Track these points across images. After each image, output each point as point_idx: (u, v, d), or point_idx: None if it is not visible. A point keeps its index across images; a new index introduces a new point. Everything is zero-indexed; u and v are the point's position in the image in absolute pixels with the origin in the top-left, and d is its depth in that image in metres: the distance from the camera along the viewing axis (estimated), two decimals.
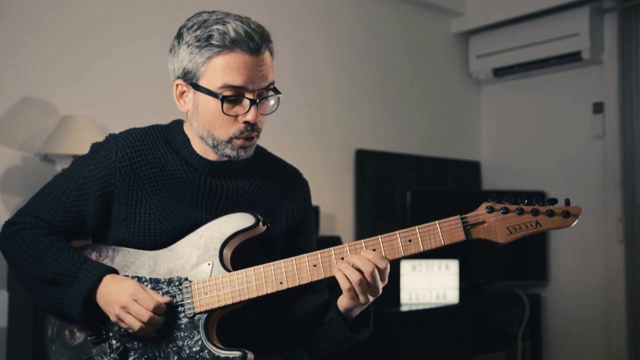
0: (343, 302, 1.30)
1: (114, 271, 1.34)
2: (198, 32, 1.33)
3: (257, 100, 1.34)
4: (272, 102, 1.40)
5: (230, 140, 1.36)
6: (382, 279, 1.26)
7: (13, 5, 2.59)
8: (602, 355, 3.56)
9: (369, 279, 1.23)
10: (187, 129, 1.45)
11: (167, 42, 3.13)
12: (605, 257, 3.57)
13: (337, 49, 3.60)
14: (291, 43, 3.31)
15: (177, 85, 1.40)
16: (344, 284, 1.25)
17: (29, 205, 1.45)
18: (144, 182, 1.38)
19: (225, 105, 1.33)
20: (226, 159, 1.41)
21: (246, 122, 1.34)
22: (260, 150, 1.53)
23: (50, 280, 1.34)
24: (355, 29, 3.68)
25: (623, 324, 3.45)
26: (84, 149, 2.38)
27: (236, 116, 1.34)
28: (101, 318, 1.33)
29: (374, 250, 1.26)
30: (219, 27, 1.31)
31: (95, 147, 1.45)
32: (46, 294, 1.36)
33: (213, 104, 1.33)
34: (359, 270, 1.23)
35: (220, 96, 1.32)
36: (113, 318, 1.30)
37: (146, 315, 1.27)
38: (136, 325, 1.27)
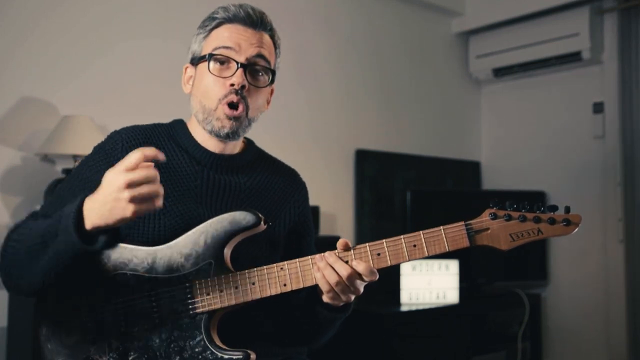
0: (324, 299, 1.32)
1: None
2: (205, 18, 1.44)
3: (246, 65, 1.38)
4: (263, 78, 1.42)
5: (217, 108, 1.38)
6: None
7: (13, 6, 2.59)
8: (602, 355, 3.57)
9: (347, 282, 1.25)
10: (189, 124, 1.48)
11: (167, 41, 3.14)
12: (605, 257, 3.57)
13: (337, 49, 3.60)
14: (291, 43, 3.30)
15: (186, 69, 1.47)
16: (323, 286, 1.27)
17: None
18: None
19: (212, 65, 1.38)
20: (219, 146, 1.42)
21: (232, 85, 1.37)
22: (259, 151, 1.55)
23: (40, 245, 1.23)
24: (355, 29, 3.68)
25: (623, 323, 3.45)
26: (84, 149, 2.39)
27: (224, 79, 1.37)
28: (104, 245, 1.23)
29: (378, 254, 1.27)
30: (222, 6, 1.42)
31: (99, 145, 1.45)
32: (44, 262, 1.23)
33: (205, 70, 1.39)
34: (337, 273, 1.25)
35: (208, 55, 1.39)
36: (130, 212, 1.13)
37: (151, 170, 1.14)
38: (156, 188, 1.14)
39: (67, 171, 2.49)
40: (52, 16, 2.67)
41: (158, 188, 1.15)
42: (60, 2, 2.70)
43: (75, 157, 2.47)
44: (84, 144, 2.41)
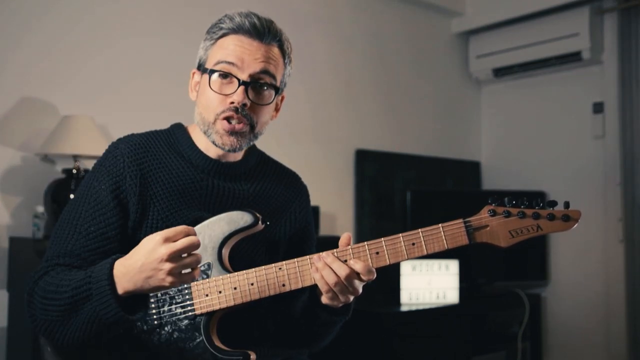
0: (324, 301, 1.32)
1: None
2: (213, 24, 1.40)
3: (249, 82, 1.34)
4: (268, 93, 1.38)
5: (215, 122, 1.35)
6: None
7: (13, 5, 2.58)
8: (602, 355, 3.56)
9: (345, 282, 1.25)
10: (191, 129, 1.46)
11: (167, 41, 3.14)
12: (605, 257, 3.57)
13: (338, 48, 3.60)
14: (292, 43, 3.30)
15: (193, 75, 1.44)
16: (322, 286, 1.26)
17: (47, 252, 1.34)
18: (152, 187, 1.36)
19: (213, 80, 1.35)
20: (221, 153, 1.41)
21: (232, 103, 1.34)
22: (261, 154, 1.54)
23: (70, 306, 1.20)
24: (356, 29, 3.68)
25: (623, 324, 3.44)
26: (84, 149, 2.40)
27: (225, 95, 1.34)
28: (143, 303, 1.22)
29: (377, 253, 1.26)
30: (229, 14, 1.38)
31: (99, 162, 1.40)
32: (77, 324, 1.21)
33: (207, 83, 1.36)
34: (336, 273, 1.24)
35: (209, 70, 1.36)
36: (169, 282, 1.13)
37: (193, 238, 1.14)
38: (196, 257, 1.15)
39: (67, 171, 2.48)
40: (52, 16, 2.67)
41: (198, 257, 1.15)
42: (60, 2, 2.70)
43: (75, 157, 2.47)
44: (84, 144, 2.41)
